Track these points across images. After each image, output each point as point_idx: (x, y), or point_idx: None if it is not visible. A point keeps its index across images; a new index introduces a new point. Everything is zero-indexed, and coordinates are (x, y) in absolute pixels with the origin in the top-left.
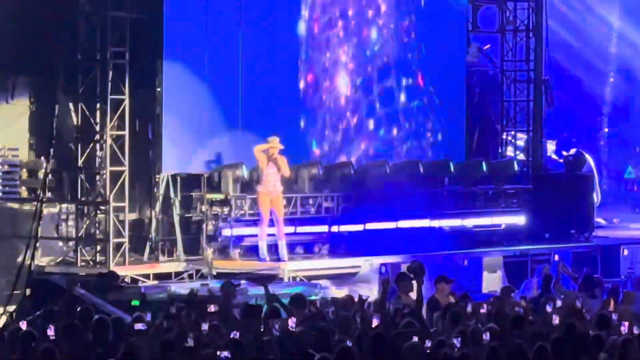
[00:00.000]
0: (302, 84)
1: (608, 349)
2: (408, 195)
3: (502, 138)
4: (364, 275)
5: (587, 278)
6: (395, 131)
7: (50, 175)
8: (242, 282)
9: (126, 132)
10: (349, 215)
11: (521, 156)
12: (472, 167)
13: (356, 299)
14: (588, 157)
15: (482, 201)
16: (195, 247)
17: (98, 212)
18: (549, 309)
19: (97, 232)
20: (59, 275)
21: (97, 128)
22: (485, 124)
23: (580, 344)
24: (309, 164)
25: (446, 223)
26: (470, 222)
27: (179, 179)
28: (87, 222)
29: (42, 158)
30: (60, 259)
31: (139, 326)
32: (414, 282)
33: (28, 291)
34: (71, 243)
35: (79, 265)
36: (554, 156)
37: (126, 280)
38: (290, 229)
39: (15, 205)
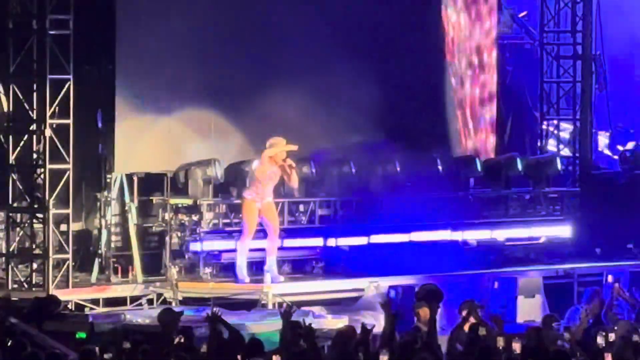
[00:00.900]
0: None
1: None
2: (423, 200)
3: (541, 128)
4: (368, 301)
5: None
6: None
7: None
8: (215, 309)
9: (70, 121)
10: (350, 226)
11: (566, 151)
12: (504, 164)
13: (359, 330)
14: None
15: (517, 208)
16: (157, 265)
17: (34, 221)
18: (600, 341)
19: (33, 246)
20: None
21: (34, 115)
22: (521, 111)
23: None
24: (299, 161)
25: (472, 235)
26: (501, 235)
27: (135, 179)
28: (21, 233)
29: None
30: None
31: None
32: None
33: None
34: (0, 260)
35: (9, 287)
36: (607, 151)
37: (69, 306)
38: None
39: None
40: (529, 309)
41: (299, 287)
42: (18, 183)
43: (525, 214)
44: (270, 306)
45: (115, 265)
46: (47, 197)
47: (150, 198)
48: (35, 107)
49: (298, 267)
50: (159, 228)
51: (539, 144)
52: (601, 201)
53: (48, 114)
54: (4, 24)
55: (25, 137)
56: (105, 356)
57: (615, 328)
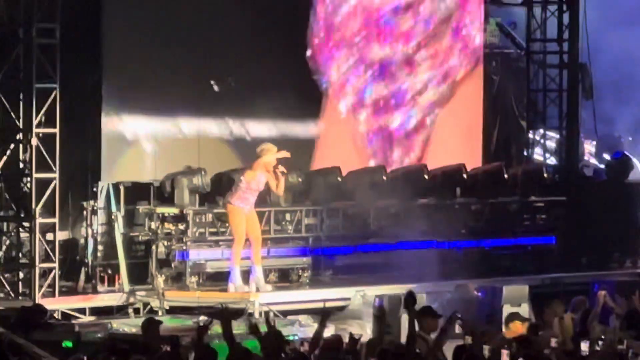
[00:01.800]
0: None
1: None
2: (410, 209)
3: (527, 137)
4: (355, 310)
5: (633, 314)
6: None
7: None
8: (202, 317)
9: (57, 130)
10: (336, 235)
11: (552, 160)
12: (491, 173)
13: (345, 340)
14: (636, 161)
15: (503, 216)
16: (143, 274)
17: (20, 230)
18: (584, 349)
19: (20, 255)
20: None
21: (20, 124)
22: (507, 120)
23: None
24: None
25: (458, 244)
26: (487, 243)
27: (122, 188)
28: (7, 242)
29: None
30: None
31: None
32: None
33: None
34: None
35: None
36: (594, 160)
37: (56, 315)
38: (262, 252)
39: None
40: None
41: (285, 296)
42: (4, 192)
43: (512, 223)
44: (256, 315)
45: (102, 274)
46: (33, 206)
47: (137, 207)
48: (21, 115)
49: (284, 276)
50: (146, 237)
51: (525, 152)
52: (587, 210)
53: (34, 122)
54: None
55: (12, 146)
56: None
57: (602, 337)
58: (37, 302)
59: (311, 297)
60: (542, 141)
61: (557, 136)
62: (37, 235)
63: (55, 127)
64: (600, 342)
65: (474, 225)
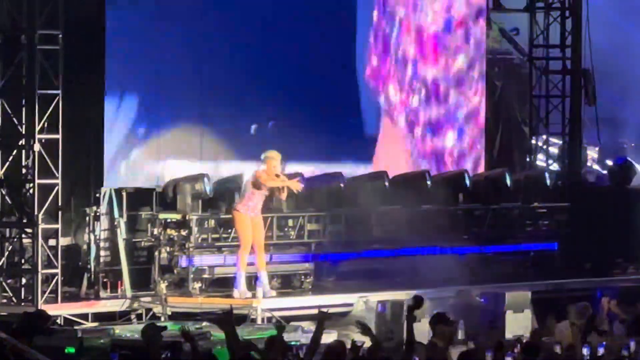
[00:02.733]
0: None
1: None
2: (413, 216)
3: (530, 143)
4: (358, 316)
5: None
6: None
7: None
8: (204, 324)
9: (59, 136)
10: (339, 241)
11: (555, 166)
12: (493, 180)
13: (348, 346)
14: (639, 167)
15: (506, 222)
16: (146, 280)
17: (23, 236)
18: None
19: (22, 261)
20: None
21: (23, 130)
22: (510, 126)
23: None
24: (288, 176)
25: (460, 250)
26: (490, 249)
27: (124, 194)
28: (10, 248)
29: None
30: None
31: None
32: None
33: None
34: None
35: None
36: (596, 166)
37: (58, 321)
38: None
39: None
40: (518, 324)
41: (287, 302)
42: (7, 198)
43: (515, 229)
44: (259, 321)
45: (104, 280)
46: (36, 212)
47: (139, 213)
48: (24, 122)
49: (287, 282)
50: (148, 243)
51: (528, 159)
52: (590, 216)
53: (37, 128)
54: None
55: (14, 152)
56: None
57: (604, 343)
58: (39, 307)
59: (314, 303)
60: (544, 147)
61: (560, 142)
62: (40, 241)
63: (57, 133)
64: (601, 349)
65: (476, 231)
